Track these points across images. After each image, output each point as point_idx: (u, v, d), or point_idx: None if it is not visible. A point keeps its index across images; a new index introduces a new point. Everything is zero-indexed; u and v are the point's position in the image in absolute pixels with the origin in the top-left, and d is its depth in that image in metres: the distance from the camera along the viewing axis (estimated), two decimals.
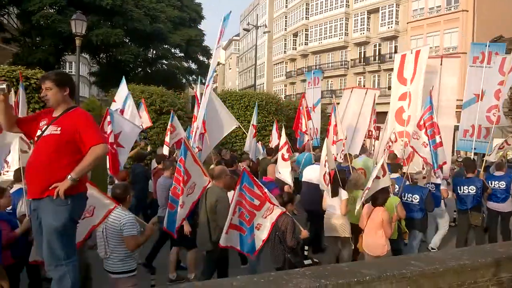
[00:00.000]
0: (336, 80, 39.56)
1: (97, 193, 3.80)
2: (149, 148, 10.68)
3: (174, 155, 8.44)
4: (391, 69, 33.82)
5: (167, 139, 9.57)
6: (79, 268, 4.35)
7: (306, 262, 6.38)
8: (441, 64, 8.46)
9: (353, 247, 5.99)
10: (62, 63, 24.58)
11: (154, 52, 26.99)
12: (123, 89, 9.16)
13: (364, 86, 36.32)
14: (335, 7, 38.49)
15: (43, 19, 19.46)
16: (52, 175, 2.97)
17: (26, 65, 12.38)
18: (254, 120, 10.09)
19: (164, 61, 28.08)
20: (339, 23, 38.25)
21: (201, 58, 29.72)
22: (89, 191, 3.61)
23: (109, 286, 4.04)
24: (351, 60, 37.85)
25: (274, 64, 50.73)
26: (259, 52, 44.16)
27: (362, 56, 37.09)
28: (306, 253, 6.67)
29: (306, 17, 42.30)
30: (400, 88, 8.70)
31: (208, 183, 5.25)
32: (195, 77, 30.48)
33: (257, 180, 4.72)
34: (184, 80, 29.77)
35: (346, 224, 5.94)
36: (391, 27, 33.68)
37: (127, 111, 8.53)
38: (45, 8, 19.92)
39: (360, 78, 37.31)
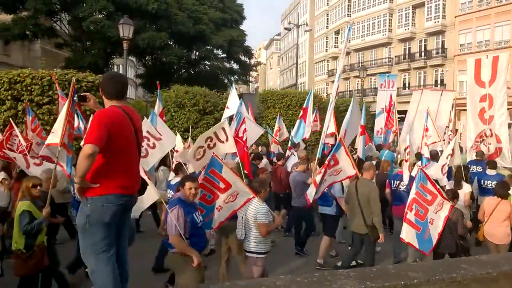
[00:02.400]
0: None
1: (240, 183, 4.57)
2: (259, 149, 11.39)
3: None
4: (438, 65, 32.93)
5: (276, 139, 10.87)
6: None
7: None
8: None
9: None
10: (110, 66, 25.68)
11: (197, 53, 27.54)
12: (234, 97, 9.96)
13: (409, 83, 35.19)
14: (378, 3, 37.52)
15: (92, 24, 20.41)
16: None
17: (77, 68, 13.03)
18: (362, 120, 10.29)
19: (206, 62, 28.58)
20: (383, 19, 37.23)
21: (242, 58, 29.97)
22: (233, 181, 4.50)
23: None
24: (395, 56, 36.72)
25: (316, 63, 50.21)
26: (300, 51, 43.89)
27: (407, 52, 35.88)
28: None
29: (348, 14, 41.51)
30: (479, 90, 9.36)
31: (355, 175, 6.09)
32: (236, 77, 30.83)
33: (430, 177, 5.40)
34: (226, 80, 30.16)
35: (468, 214, 6.50)
36: (438, 21, 32.32)
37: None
38: (94, 14, 20.88)
39: (405, 75, 36.13)
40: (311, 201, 6.27)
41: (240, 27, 29.69)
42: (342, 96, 39.70)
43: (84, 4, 21.03)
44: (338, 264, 6.45)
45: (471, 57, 10.53)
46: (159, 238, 6.02)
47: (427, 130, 8.51)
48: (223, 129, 5.95)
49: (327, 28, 46.45)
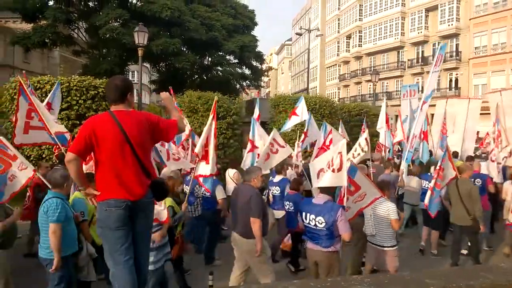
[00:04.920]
0: (391, 82, 38.34)
1: (370, 184, 5.00)
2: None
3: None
4: (452, 69, 32.65)
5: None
6: None
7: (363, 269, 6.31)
8: None
9: None
10: (126, 72, 26.05)
11: (210, 59, 27.75)
12: (303, 106, 10.55)
13: (422, 87, 34.86)
14: (390, 6, 37.39)
15: (109, 32, 20.78)
16: None
17: (94, 75, 13.28)
18: (424, 127, 10.81)
19: (219, 68, 28.76)
20: (395, 22, 37.08)
21: (254, 63, 30.10)
22: (363, 183, 4.89)
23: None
24: (408, 60, 36.51)
25: (327, 67, 50.17)
26: (312, 56, 43.88)
27: (420, 56, 35.64)
28: (363, 259, 6.56)
29: (359, 18, 41.47)
30: None
31: (455, 176, 6.81)
32: (248, 82, 30.96)
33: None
34: (238, 86, 30.30)
35: None
36: (452, 24, 32.06)
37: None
38: (110, 22, 21.27)
39: (418, 79, 35.86)
40: (432, 210, 6.94)
41: (252, 33, 29.88)
42: (354, 100, 39.55)
43: (101, 13, 21.45)
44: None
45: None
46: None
47: (499, 136, 9.78)
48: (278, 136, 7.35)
49: (338, 32, 46.42)
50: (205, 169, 5.95)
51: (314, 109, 14.94)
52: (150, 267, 3.99)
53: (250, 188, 4.77)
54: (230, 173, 8.22)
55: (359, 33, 41.71)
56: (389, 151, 11.10)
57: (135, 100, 3.32)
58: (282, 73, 75.81)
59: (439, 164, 6.81)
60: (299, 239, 6.24)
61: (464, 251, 7.54)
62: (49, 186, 4.37)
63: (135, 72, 33.48)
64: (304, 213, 4.70)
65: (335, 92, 47.51)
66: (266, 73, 34.89)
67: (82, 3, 23.02)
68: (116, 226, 3.08)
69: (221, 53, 27.02)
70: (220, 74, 28.58)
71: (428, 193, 6.86)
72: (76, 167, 3.07)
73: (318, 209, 4.56)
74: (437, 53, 7.96)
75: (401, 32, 36.63)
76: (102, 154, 3.08)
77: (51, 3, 22.24)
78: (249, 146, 8.28)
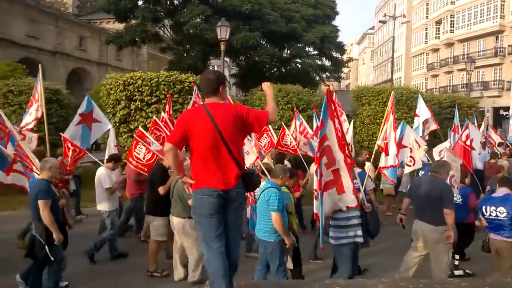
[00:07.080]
0: (488, 70, 34.86)
1: None
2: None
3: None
4: None
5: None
6: None
7: (457, 272, 5.96)
8: None
9: None
10: (207, 67, 27.05)
11: (289, 51, 27.61)
12: (423, 105, 10.76)
13: None
14: None
15: (192, 28, 21.62)
16: None
17: (179, 70, 13.96)
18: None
19: (298, 60, 28.49)
20: (493, 5, 33.61)
21: (334, 54, 29.30)
22: None
23: None
24: (509, 46, 32.88)
25: (413, 56, 47.28)
26: (396, 44, 41.58)
27: None
28: (456, 262, 6.15)
29: (451, 1, 38.31)
30: None
31: None
32: (328, 74, 30.25)
33: None
34: (317, 78, 29.78)
35: None
36: None
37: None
38: (193, 18, 22.17)
39: None
40: None
41: (333, 23, 29.06)
42: (444, 91, 36.77)
43: (185, 10, 22.46)
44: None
45: None
46: None
47: None
48: None
49: (426, 18, 43.43)
50: (385, 161, 6.51)
51: (400, 101, 14.13)
52: (348, 240, 4.66)
53: (440, 181, 5.26)
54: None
55: (451, 17, 38.54)
56: None
57: None
58: (363, 63, 73.24)
59: None
60: (465, 232, 6.26)
61: None
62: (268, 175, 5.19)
63: (216, 66, 34.65)
64: (484, 207, 5.10)
65: (422, 82, 44.64)
66: (346, 64, 33.86)
67: (168, 1, 24.28)
68: (210, 214, 3.25)
69: (301, 45, 26.70)
70: (299, 66, 28.29)
71: None
72: (173, 156, 3.32)
73: (497, 200, 5.02)
74: None
75: (501, 15, 33.10)
76: (196, 145, 3.30)
77: (140, 3, 23.84)
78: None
